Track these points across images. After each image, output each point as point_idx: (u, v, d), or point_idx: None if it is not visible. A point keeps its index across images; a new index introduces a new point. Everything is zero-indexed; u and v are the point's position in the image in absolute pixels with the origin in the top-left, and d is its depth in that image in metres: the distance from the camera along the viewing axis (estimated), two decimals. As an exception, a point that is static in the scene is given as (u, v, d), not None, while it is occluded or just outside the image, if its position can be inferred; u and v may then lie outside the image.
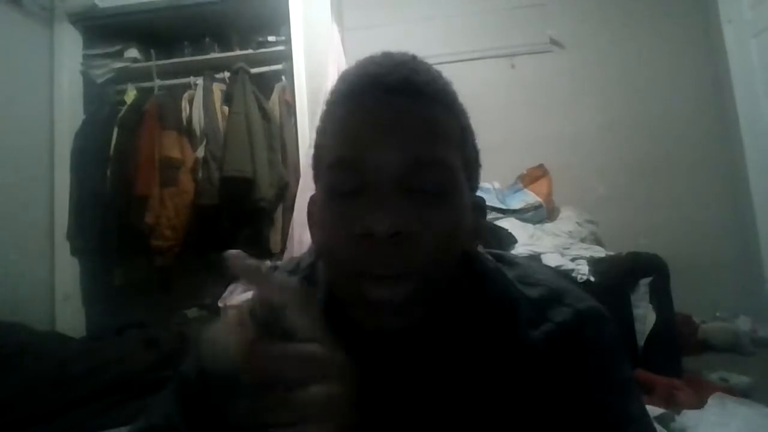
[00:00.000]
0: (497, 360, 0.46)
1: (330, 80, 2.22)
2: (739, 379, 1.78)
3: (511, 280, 0.52)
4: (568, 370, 0.46)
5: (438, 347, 0.47)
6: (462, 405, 0.45)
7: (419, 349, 0.46)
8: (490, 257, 0.54)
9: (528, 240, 2.08)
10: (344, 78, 0.48)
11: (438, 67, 0.49)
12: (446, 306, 0.47)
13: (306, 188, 2.06)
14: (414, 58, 0.48)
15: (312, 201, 0.52)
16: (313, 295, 0.47)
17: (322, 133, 0.49)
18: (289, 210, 2.22)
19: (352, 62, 0.49)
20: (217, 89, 2.36)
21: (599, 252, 2.06)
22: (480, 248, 0.54)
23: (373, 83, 0.45)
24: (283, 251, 2.21)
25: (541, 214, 2.35)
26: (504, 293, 0.50)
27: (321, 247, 0.47)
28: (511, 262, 0.55)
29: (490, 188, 2.40)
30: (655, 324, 1.80)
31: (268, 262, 1.42)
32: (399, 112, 0.44)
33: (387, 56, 0.48)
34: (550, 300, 0.49)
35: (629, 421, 0.45)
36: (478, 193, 0.52)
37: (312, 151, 0.52)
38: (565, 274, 1.83)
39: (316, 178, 0.50)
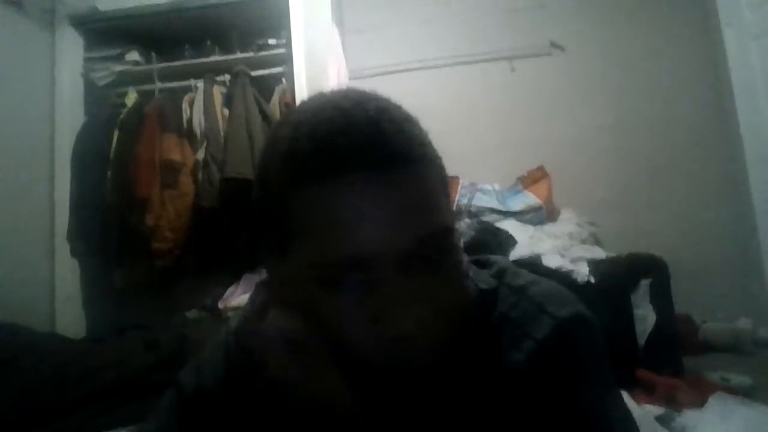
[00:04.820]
0: (482, 388, 0.46)
1: (331, 83, 2.23)
2: (740, 380, 1.78)
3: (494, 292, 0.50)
4: (552, 383, 0.45)
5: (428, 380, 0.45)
6: None
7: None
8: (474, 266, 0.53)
9: (528, 242, 2.08)
10: (303, 150, 0.40)
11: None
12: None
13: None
14: (372, 108, 0.41)
15: (275, 269, 0.48)
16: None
17: (284, 201, 0.43)
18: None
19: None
20: (218, 92, 2.36)
21: (599, 253, 2.06)
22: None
23: (349, 158, 0.38)
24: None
25: (541, 216, 2.35)
26: (487, 315, 0.49)
27: (324, 335, 0.42)
28: (489, 264, 0.54)
29: (490, 190, 2.39)
30: (655, 324, 1.81)
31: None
32: (392, 189, 0.39)
33: (344, 115, 0.40)
34: (531, 310, 0.48)
35: (612, 424, 0.45)
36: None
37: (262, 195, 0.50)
38: (566, 276, 1.83)
39: (279, 247, 0.46)
